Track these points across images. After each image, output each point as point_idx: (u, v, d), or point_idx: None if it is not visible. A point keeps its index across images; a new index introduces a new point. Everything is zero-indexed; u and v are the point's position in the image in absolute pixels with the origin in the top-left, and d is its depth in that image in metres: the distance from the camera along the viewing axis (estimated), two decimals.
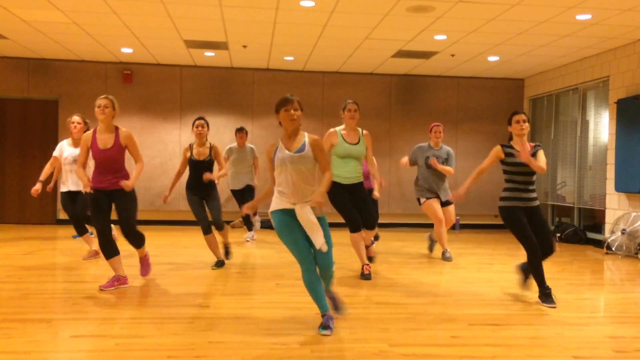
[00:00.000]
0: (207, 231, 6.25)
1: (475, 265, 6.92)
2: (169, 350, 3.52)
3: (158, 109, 10.72)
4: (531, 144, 5.02)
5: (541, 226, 4.95)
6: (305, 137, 4.10)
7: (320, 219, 3.98)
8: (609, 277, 6.76)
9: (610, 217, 8.67)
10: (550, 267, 6.95)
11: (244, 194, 8.42)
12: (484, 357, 3.54)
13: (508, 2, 6.53)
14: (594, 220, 9.67)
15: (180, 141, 10.64)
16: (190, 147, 6.33)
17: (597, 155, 9.30)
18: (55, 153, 6.80)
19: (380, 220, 11.24)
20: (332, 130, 5.91)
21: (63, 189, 6.75)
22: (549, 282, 4.99)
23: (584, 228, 9.64)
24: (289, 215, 3.97)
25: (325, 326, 3.95)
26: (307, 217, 3.90)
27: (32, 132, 10.45)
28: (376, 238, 8.19)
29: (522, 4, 6.58)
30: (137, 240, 5.47)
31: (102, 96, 5.19)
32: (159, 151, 10.69)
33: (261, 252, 7.64)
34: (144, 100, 10.70)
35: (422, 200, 7.12)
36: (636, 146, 8.02)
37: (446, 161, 7.10)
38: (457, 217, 11.07)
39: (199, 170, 6.22)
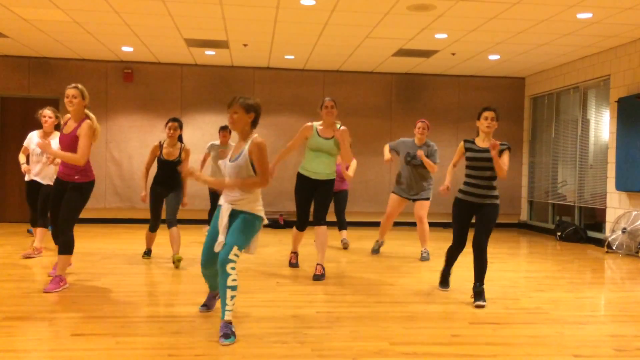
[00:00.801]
0: (152, 229, 6.57)
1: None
2: (170, 349, 3.53)
3: (159, 108, 10.71)
4: (497, 142, 4.84)
5: (482, 224, 4.87)
6: (247, 145, 3.92)
7: (238, 217, 3.91)
8: (609, 276, 6.76)
9: (611, 216, 8.66)
10: (551, 266, 6.95)
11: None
12: (485, 355, 3.54)
13: (509, 0, 6.52)
14: (595, 219, 9.67)
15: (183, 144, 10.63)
16: (161, 146, 6.40)
17: (597, 154, 9.29)
18: (25, 143, 6.90)
19: (378, 220, 11.26)
20: (309, 124, 5.96)
21: (26, 177, 6.77)
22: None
23: (585, 227, 9.63)
24: (219, 211, 4.05)
25: (223, 334, 3.69)
26: (223, 216, 3.92)
27: (33, 130, 10.43)
28: (343, 242, 8.05)
29: (522, 3, 6.57)
30: (63, 243, 5.00)
31: (71, 85, 5.02)
32: None
33: (261, 250, 7.64)
34: (145, 99, 10.70)
35: (392, 193, 7.29)
36: (637, 145, 8.02)
37: (428, 157, 7.06)
38: None
39: (166, 169, 6.38)
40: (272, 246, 8.01)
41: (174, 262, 6.32)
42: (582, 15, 7.05)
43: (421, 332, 4.01)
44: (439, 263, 6.95)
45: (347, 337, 3.84)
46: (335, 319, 4.24)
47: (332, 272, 6.16)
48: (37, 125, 7.81)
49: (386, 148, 7.32)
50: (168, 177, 6.35)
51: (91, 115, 5.10)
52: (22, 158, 6.97)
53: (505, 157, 4.89)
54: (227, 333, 3.68)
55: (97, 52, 9.83)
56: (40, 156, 6.68)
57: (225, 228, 3.89)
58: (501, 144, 4.89)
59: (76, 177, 5.01)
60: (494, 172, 4.86)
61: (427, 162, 6.90)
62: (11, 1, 7.00)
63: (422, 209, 7.15)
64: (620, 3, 6.55)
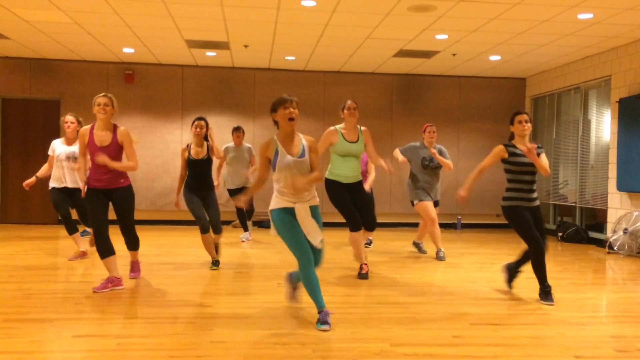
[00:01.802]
0: (204, 230, 6.24)
1: (476, 265, 6.92)
2: (171, 350, 3.53)
3: (160, 109, 10.72)
4: (533, 144, 5.00)
5: (540, 227, 4.98)
6: (303, 140, 4.18)
7: (315, 212, 4.14)
8: (611, 277, 6.75)
9: (612, 217, 8.66)
10: (552, 267, 6.94)
11: (241, 193, 8.35)
12: (486, 356, 3.54)
13: (509, 1, 6.52)
14: (596, 219, 9.66)
15: (182, 141, 10.64)
16: (188, 147, 6.36)
17: (599, 154, 9.29)
18: (50, 152, 6.85)
19: (381, 220, 11.29)
20: (332, 128, 5.87)
21: (56, 185, 6.73)
22: (550, 281, 4.99)
23: (586, 227, 9.63)
24: (289, 213, 4.09)
25: (323, 322, 4.01)
26: (307, 216, 4.04)
27: (34, 132, 10.46)
28: (369, 243, 8.12)
29: (523, 3, 6.57)
30: (134, 241, 5.54)
31: (102, 94, 5.16)
32: (161, 151, 10.70)
33: (262, 252, 7.64)
34: (146, 100, 10.71)
35: (416, 202, 7.16)
36: (638, 145, 8.01)
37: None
38: (459, 217, 11.08)
39: (197, 169, 6.28)
40: (273, 248, 8.01)
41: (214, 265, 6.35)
42: (582, 16, 7.05)
43: (422, 333, 4.00)
44: (441, 264, 6.97)
45: (348, 338, 3.84)
46: (337, 320, 4.24)
47: (333, 273, 6.16)
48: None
49: (398, 152, 7.36)
50: (200, 177, 6.27)
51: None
52: (48, 169, 6.85)
53: (543, 157, 5.00)
54: (327, 321, 4.04)
55: (98, 53, 9.84)
56: (66, 162, 6.66)
57: (315, 226, 4.09)
58: (538, 147, 5.02)
59: (122, 180, 5.27)
60: (536, 174, 4.98)
61: (444, 162, 7.04)
62: (12, 2, 7.01)
63: (436, 211, 7.27)
64: (621, 3, 6.54)
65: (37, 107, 10.52)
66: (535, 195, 5.01)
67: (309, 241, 4.10)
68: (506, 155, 4.97)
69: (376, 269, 6.46)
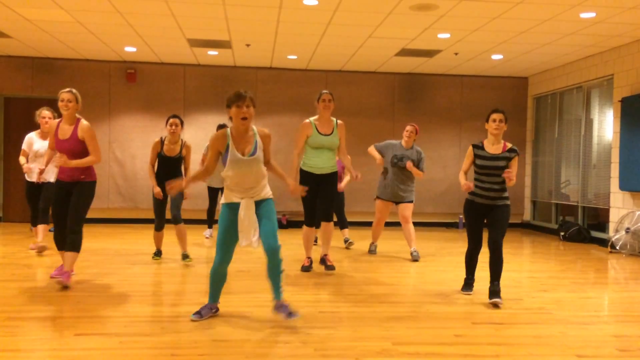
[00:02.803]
0: (159, 228, 6.55)
1: (478, 264, 6.90)
2: (173, 349, 3.53)
3: (162, 108, 10.72)
4: (507, 144, 4.96)
5: (493, 224, 4.92)
6: (256, 136, 4.10)
7: (267, 206, 4.14)
8: (613, 276, 6.74)
9: (614, 216, 8.64)
10: (554, 266, 6.94)
11: (220, 193, 8.28)
12: (487, 356, 3.53)
13: (511, 0, 6.51)
14: (598, 218, 9.65)
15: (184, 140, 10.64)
16: (162, 141, 6.40)
17: (601, 153, 9.27)
18: (25, 146, 7.18)
19: None
20: (306, 121, 5.94)
21: (34, 179, 6.91)
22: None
23: (588, 227, 9.61)
24: (233, 209, 4.08)
25: (198, 312, 4.15)
26: (246, 214, 4.00)
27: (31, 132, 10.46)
28: (346, 241, 8.13)
29: (525, 2, 6.56)
30: (74, 241, 5.17)
31: (66, 90, 5.23)
32: None
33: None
34: (148, 99, 10.72)
35: (375, 197, 7.37)
36: None
37: (415, 162, 7.06)
38: (461, 216, 11.07)
39: (167, 166, 6.42)
40: None
41: (183, 259, 6.41)
42: (585, 15, 7.03)
43: (424, 332, 4.00)
44: (442, 263, 6.96)
45: (350, 337, 3.84)
46: (338, 319, 4.24)
47: (335, 272, 6.16)
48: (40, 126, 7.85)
49: (373, 149, 7.33)
50: (169, 173, 6.33)
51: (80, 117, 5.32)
52: (22, 160, 7.16)
53: (515, 164, 4.93)
54: (292, 311, 4.06)
55: (100, 52, 9.85)
56: (42, 157, 6.77)
57: (254, 222, 4.03)
58: (510, 150, 4.93)
59: (82, 176, 5.21)
60: (500, 177, 4.90)
61: (415, 171, 7.01)
62: (15, 1, 7.02)
63: (407, 209, 7.23)
64: (624, 2, 6.53)
65: (39, 106, 10.34)
66: (496, 195, 4.92)
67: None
68: (472, 157, 5.03)
69: (378, 268, 6.45)
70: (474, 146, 5.04)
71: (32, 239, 8.18)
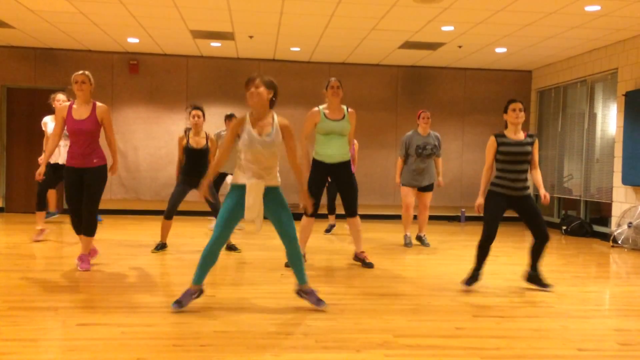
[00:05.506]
0: (169, 217, 6.51)
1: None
2: (175, 339, 3.54)
3: (164, 100, 10.72)
4: (525, 132, 5.10)
5: (532, 215, 4.99)
6: (276, 121, 4.17)
7: (275, 193, 4.15)
8: (614, 270, 6.74)
9: (616, 210, 8.63)
10: (555, 260, 6.94)
11: (224, 179, 8.22)
12: (488, 348, 3.54)
13: None
14: (601, 213, 9.64)
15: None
16: (187, 135, 6.38)
17: (604, 148, 9.25)
18: (44, 128, 7.38)
19: (386, 212, 11.29)
20: (315, 109, 5.86)
21: (49, 160, 6.88)
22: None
23: (590, 221, 9.60)
24: (242, 189, 4.10)
25: (177, 301, 4.12)
26: (255, 193, 4.03)
27: (39, 121, 10.35)
28: (330, 228, 8.44)
29: None
30: (89, 226, 5.38)
31: (79, 72, 5.29)
32: (165, 142, 10.69)
33: (265, 242, 7.65)
34: (150, 90, 10.71)
35: (402, 185, 7.55)
36: None
37: (436, 147, 7.45)
38: (463, 210, 11.06)
39: (195, 158, 6.39)
40: (277, 238, 8.00)
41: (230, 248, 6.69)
42: (590, 8, 7.00)
43: (425, 324, 4.01)
44: (443, 256, 6.97)
45: (351, 329, 3.85)
46: (340, 311, 4.25)
47: (337, 264, 6.17)
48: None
49: (400, 162, 7.58)
50: (198, 165, 6.31)
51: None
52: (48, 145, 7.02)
53: (536, 147, 5.07)
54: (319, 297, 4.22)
55: (103, 43, 9.83)
56: (64, 139, 6.71)
57: (259, 204, 4.05)
58: (529, 135, 5.08)
59: (95, 160, 5.31)
60: (528, 164, 5.02)
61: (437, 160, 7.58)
62: None
63: (428, 197, 7.60)
64: None
65: (42, 97, 10.47)
66: (521, 184, 4.99)
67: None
68: (496, 146, 5.04)
69: (379, 260, 6.46)
70: (496, 135, 5.07)
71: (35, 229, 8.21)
